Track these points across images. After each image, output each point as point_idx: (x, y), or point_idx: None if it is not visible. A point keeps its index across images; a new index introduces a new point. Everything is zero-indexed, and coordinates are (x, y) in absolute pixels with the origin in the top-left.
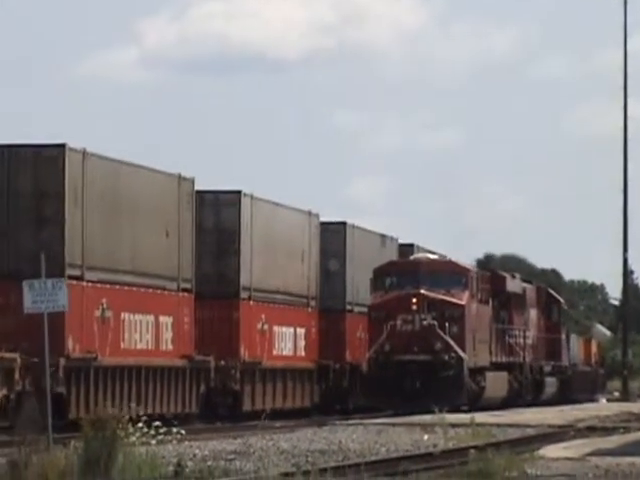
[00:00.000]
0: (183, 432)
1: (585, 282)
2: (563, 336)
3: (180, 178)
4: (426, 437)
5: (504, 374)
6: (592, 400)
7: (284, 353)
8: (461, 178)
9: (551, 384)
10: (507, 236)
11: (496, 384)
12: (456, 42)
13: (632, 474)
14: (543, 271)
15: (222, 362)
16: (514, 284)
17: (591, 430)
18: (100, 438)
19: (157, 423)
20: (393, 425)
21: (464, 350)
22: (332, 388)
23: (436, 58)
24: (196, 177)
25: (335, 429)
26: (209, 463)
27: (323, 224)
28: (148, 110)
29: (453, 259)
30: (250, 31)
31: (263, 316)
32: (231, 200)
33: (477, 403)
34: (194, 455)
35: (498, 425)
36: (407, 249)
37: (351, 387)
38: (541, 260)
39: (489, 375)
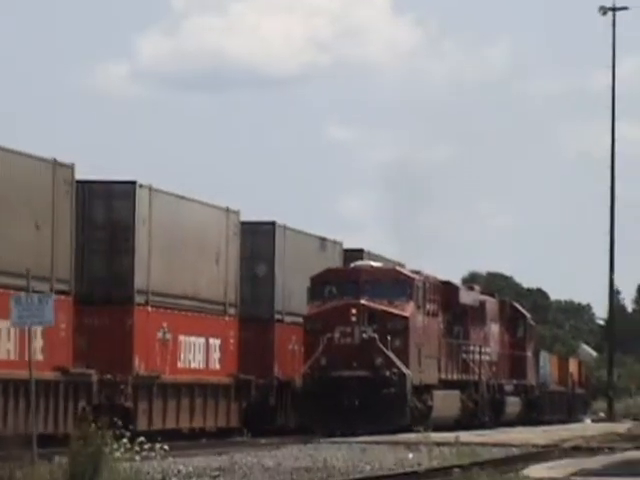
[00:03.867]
0: (167, 448)
1: (571, 302)
2: (529, 353)
3: (55, 164)
4: (411, 455)
5: (456, 393)
6: (566, 422)
7: (192, 366)
8: (451, 194)
9: (513, 404)
10: (494, 254)
11: (446, 403)
12: (449, 60)
13: None
14: (529, 290)
15: (108, 376)
16: (469, 296)
17: (576, 450)
18: (85, 454)
19: (141, 439)
20: (377, 443)
21: (408, 366)
22: (255, 406)
23: (428, 75)
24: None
25: (320, 447)
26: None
27: (250, 224)
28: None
29: (398, 268)
30: (245, 47)
31: (165, 324)
32: (124, 191)
33: (423, 424)
34: (178, 471)
35: (483, 444)
36: (355, 254)
37: (280, 405)
38: (527, 279)
39: (437, 394)
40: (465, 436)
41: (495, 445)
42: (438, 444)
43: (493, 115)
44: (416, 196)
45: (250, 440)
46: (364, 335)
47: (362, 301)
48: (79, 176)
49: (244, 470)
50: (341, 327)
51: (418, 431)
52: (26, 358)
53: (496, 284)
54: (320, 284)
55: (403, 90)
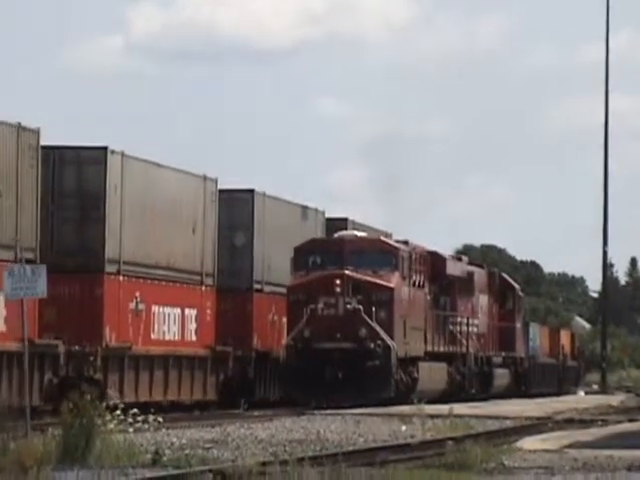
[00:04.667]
0: (160, 420)
1: (565, 274)
2: (518, 325)
3: (20, 128)
4: (404, 428)
5: (443, 365)
6: (557, 394)
7: (167, 337)
8: (444, 168)
9: (502, 376)
10: (488, 227)
11: (432, 376)
12: (442, 34)
13: (610, 466)
14: (523, 263)
15: (76, 347)
16: (457, 267)
17: (569, 423)
18: (78, 425)
19: (134, 411)
20: (371, 415)
21: (392, 338)
22: (234, 379)
23: (422, 49)
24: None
25: (313, 419)
26: (187, 451)
27: (228, 191)
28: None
29: (383, 238)
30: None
31: (137, 294)
32: (95, 158)
33: (409, 396)
34: (172, 443)
35: (476, 417)
36: (339, 224)
37: (259, 377)
38: (521, 252)
39: (423, 366)
40: (459, 408)
41: (489, 417)
42: (432, 416)
43: (485, 89)
44: (406, 169)
45: (243, 413)
46: (348, 306)
47: (346, 271)
48: (50, 142)
49: (237, 442)
50: (325, 298)
51: (411, 403)
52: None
53: (490, 256)
54: (304, 254)
55: (394, 64)
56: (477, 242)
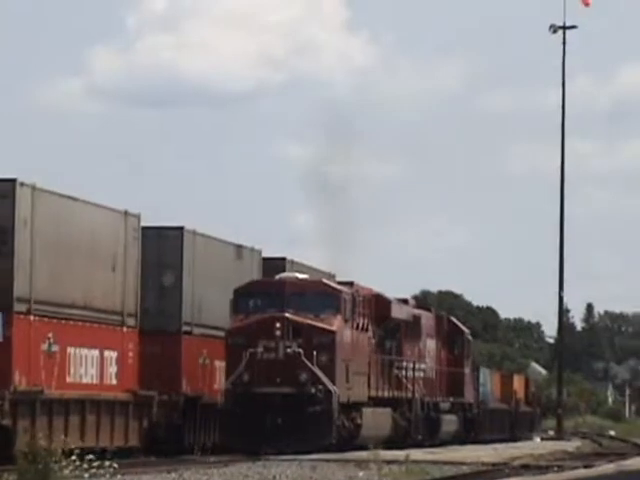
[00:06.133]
0: (116, 466)
1: (521, 320)
2: (467, 370)
3: None
4: (361, 474)
5: (387, 410)
6: (509, 441)
7: (84, 381)
8: (403, 212)
9: (449, 422)
10: (445, 272)
11: (376, 421)
12: (403, 78)
13: None
14: (479, 308)
15: None
16: (403, 310)
17: (525, 468)
18: (34, 471)
19: (90, 456)
20: (327, 461)
21: (334, 382)
22: (160, 424)
23: (384, 93)
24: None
25: (269, 464)
26: None
27: (155, 229)
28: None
29: (325, 280)
30: (198, 64)
31: (50, 335)
32: (2, 190)
33: (352, 443)
34: None
35: (433, 462)
36: (277, 263)
37: (189, 423)
38: (478, 297)
39: (367, 411)
40: (415, 454)
41: (445, 463)
42: (388, 462)
43: (444, 133)
44: (359, 212)
45: (199, 458)
46: (288, 350)
47: (287, 314)
48: None
49: None
50: (265, 341)
51: (368, 449)
52: None
53: (447, 302)
54: (243, 296)
55: (352, 105)
56: (434, 288)
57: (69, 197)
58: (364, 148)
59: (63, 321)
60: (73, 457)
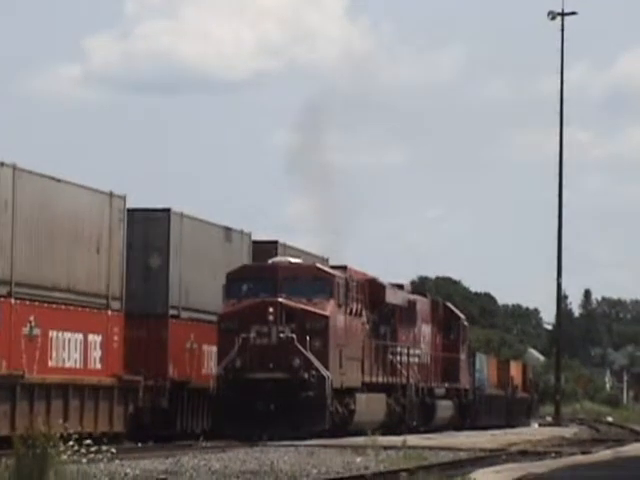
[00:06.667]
0: (114, 451)
1: (519, 306)
2: (463, 356)
3: None
4: (358, 459)
5: (381, 396)
6: (505, 427)
7: (67, 365)
8: (402, 198)
9: (445, 408)
10: (443, 259)
11: (370, 407)
12: (402, 65)
13: None
14: (477, 294)
15: None
16: (397, 295)
17: (523, 454)
18: (31, 456)
19: (88, 441)
20: (325, 447)
21: (327, 368)
22: (146, 410)
23: (381, 80)
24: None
25: (267, 450)
26: None
27: (143, 211)
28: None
29: (318, 264)
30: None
31: (32, 318)
32: None
33: (345, 429)
34: (125, 474)
35: (430, 448)
36: (268, 247)
37: (176, 408)
38: (475, 284)
39: (360, 397)
40: (412, 440)
41: (442, 449)
42: (385, 447)
43: (443, 120)
44: (360, 199)
45: (196, 443)
46: (281, 335)
47: (279, 299)
48: None
49: (191, 473)
50: (257, 326)
51: (362, 435)
52: None
53: (445, 288)
54: (236, 281)
55: (351, 94)
56: (432, 274)
57: (52, 178)
58: (364, 135)
59: (45, 304)
60: (71, 442)
